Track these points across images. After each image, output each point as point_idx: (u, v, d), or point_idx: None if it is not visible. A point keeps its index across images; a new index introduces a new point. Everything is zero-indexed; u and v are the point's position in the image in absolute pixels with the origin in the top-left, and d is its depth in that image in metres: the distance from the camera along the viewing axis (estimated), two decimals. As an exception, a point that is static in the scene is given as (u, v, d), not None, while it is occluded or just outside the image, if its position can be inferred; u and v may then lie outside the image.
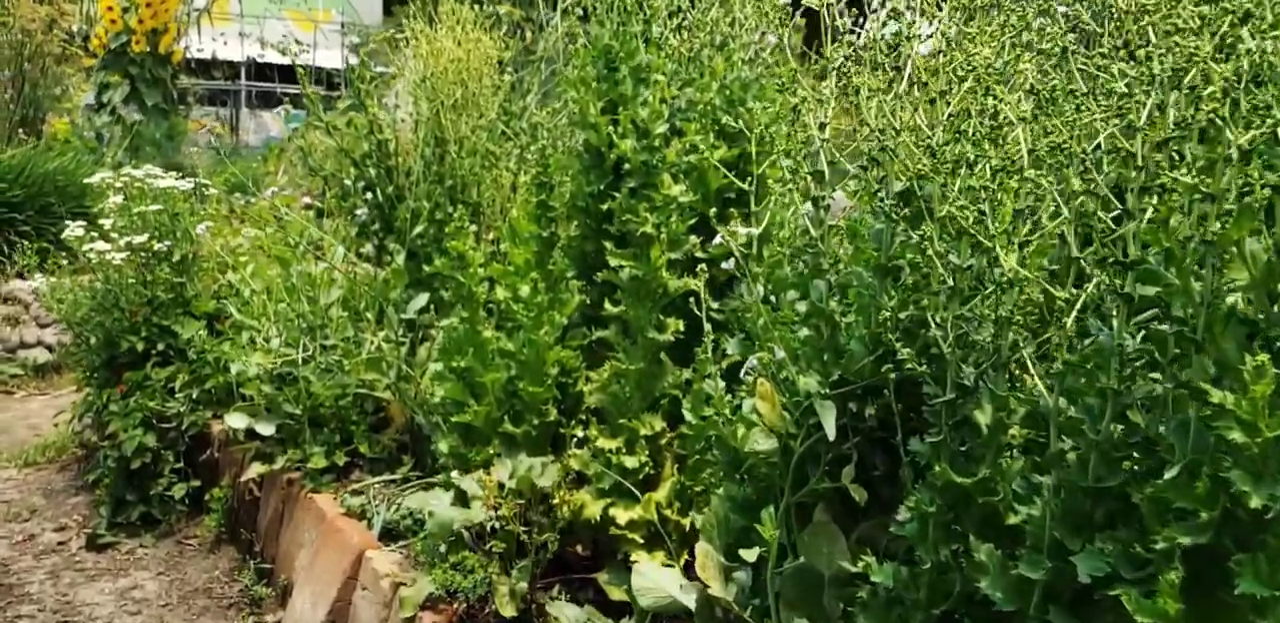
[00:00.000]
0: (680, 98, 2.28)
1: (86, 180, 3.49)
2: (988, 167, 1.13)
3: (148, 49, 8.08)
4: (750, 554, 1.37)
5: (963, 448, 1.19)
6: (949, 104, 1.18)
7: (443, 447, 2.22)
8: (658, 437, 1.99)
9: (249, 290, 3.02)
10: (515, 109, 3.31)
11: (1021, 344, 1.09)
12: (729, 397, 1.60)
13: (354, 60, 3.48)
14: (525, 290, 2.21)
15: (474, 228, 2.32)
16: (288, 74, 12.22)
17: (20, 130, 6.43)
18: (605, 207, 2.16)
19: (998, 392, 1.14)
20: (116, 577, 2.77)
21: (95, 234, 3.26)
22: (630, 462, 1.95)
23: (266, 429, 2.59)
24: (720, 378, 1.86)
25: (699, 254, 2.08)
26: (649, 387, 2.03)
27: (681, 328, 1.98)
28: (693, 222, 2.04)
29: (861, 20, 1.38)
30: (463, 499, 2.05)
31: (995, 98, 1.08)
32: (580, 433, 2.21)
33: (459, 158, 2.88)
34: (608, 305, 2.02)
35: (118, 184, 3.33)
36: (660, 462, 2.01)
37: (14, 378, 4.99)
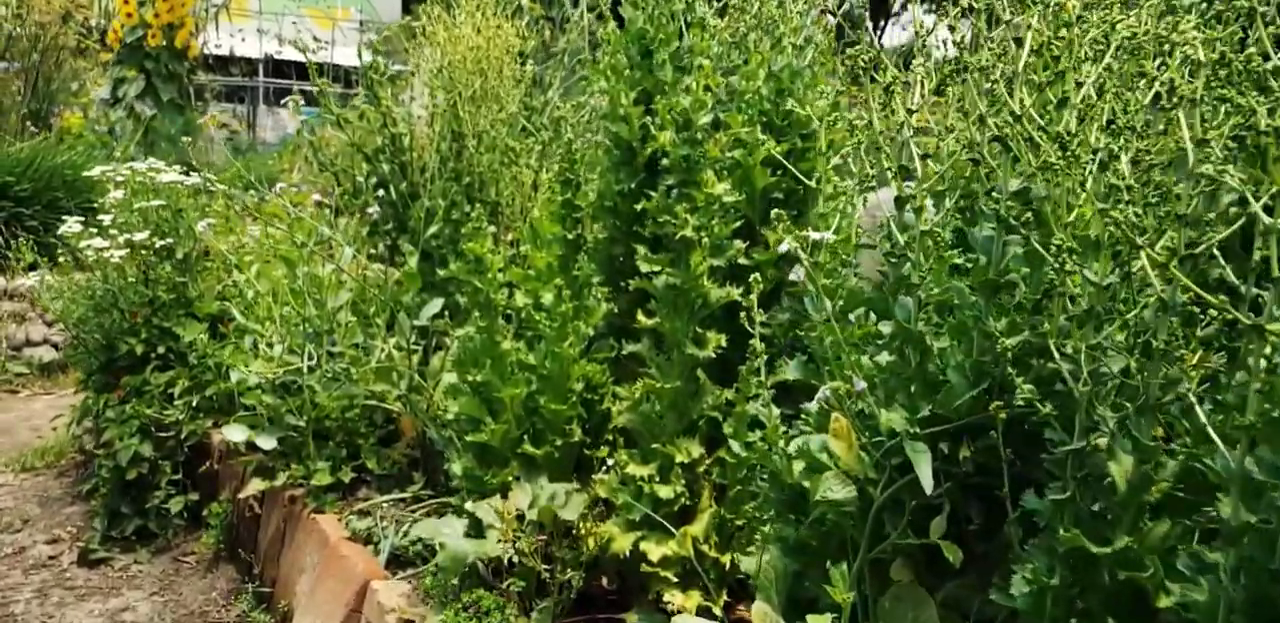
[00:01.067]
0: (721, 87, 2.04)
1: (85, 173, 3.28)
2: (1126, 160, 0.89)
3: (164, 43, 7.89)
4: (821, 622, 1.14)
5: (1093, 507, 0.95)
6: (1080, 84, 0.94)
7: (456, 468, 2.00)
8: (695, 464, 1.76)
9: (253, 292, 2.80)
10: (536, 104, 3.09)
11: (1185, 383, 0.85)
12: (784, 426, 1.37)
13: (369, 55, 3.26)
14: (548, 298, 1.98)
15: (492, 229, 2.10)
16: (306, 71, 11.99)
17: (30, 124, 6.23)
18: (639, 206, 1.93)
19: (1144, 440, 0.90)
20: (108, 597, 2.56)
21: (94, 230, 3.05)
22: (664, 491, 1.72)
23: (267, 443, 2.37)
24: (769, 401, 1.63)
25: (742, 261, 1.85)
26: (685, 408, 1.80)
27: (724, 343, 1.75)
28: (737, 224, 1.81)
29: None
30: (477, 529, 1.83)
31: (1155, 74, 0.84)
32: (607, 455, 1.99)
33: (477, 153, 2.65)
34: (641, 317, 1.79)
35: (119, 178, 3.11)
36: (697, 491, 1.78)
37: (19, 377, 4.79)
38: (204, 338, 2.79)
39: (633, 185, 2.09)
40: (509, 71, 2.68)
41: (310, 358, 2.52)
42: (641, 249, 2.07)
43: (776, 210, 1.90)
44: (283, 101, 3.13)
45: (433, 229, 2.46)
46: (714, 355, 1.74)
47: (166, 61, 8.08)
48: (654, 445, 1.78)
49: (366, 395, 2.45)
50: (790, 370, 1.31)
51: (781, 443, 1.36)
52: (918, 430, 1.06)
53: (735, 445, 1.70)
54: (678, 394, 1.78)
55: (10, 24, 6.76)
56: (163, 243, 3.04)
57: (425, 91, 3.04)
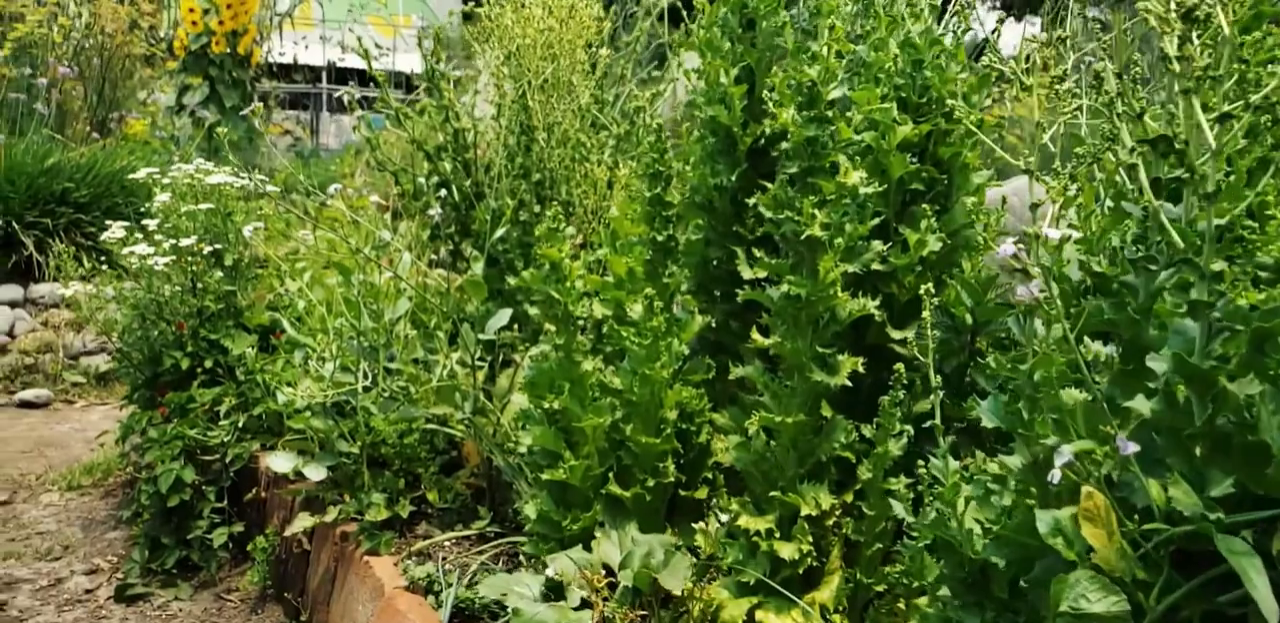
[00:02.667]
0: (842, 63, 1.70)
1: (131, 176, 3.03)
2: None
3: (227, 50, 7.75)
4: None
5: None
6: None
7: (529, 510, 1.68)
8: (823, 517, 1.42)
9: (305, 302, 2.51)
10: (607, 96, 2.77)
11: None
12: (963, 482, 1.02)
13: (429, 44, 2.96)
14: (636, 310, 1.65)
15: (571, 230, 1.77)
16: (368, 78, 11.84)
17: (94, 132, 6.09)
18: (747, 201, 1.59)
19: None
20: (145, 638, 2.29)
21: (139, 236, 2.80)
22: (785, 550, 1.38)
23: (316, 474, 2.07)
24: (910, 441, 1.28)
25: (877, 267, 1.50)
26: (810, 446, 1.45)
27: (861, 368, 1.40)
28: (876, 222, 1.46)
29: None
30: (556, 590, 1.50)
31: None
32: (707, 497, 1.65)
33: (548, 148, 2.33)
34: (756, 335, 1.45)
35: (165, 180, 2.86)
36: (825, 549, 1.44)
37: (75, 386, 4.60)
38: (253, 352, 2.51)
39: (733, 178, 1.76)
40: (582, 54, 2.36)
41: (365, 376, 2.22)
42: (740, 251, 1.74)
43: (920, 204, 1.55)
44: (338, 94, 2.85)
45: (500, 232, 2.14)
46: (847, 383, 1.40)
47: (230, 68, 7.95)
48: (771, 493, 1.43)
49: (427, 418, 2.14)
50: (985, 415, 0.96)
51: (960, 504, 1.02)
52: (1221, 516, 0.71)
53: (872, 496, 1.35)
54: (800, 430, 1.44)
55: (79, 33, 6.65)
56: (211, 249, 2.78)
57: (490, 83, 2.74)
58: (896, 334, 1.52)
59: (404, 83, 9.71)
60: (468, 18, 2.59)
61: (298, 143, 9.92)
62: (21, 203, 4.69)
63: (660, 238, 1.75)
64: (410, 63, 10.71)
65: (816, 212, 1.37)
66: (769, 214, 1.41)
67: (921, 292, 1.13)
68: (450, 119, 2.62)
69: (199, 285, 2.80)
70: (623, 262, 1.80)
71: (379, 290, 2.28)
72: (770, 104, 1.77)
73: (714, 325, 1.78)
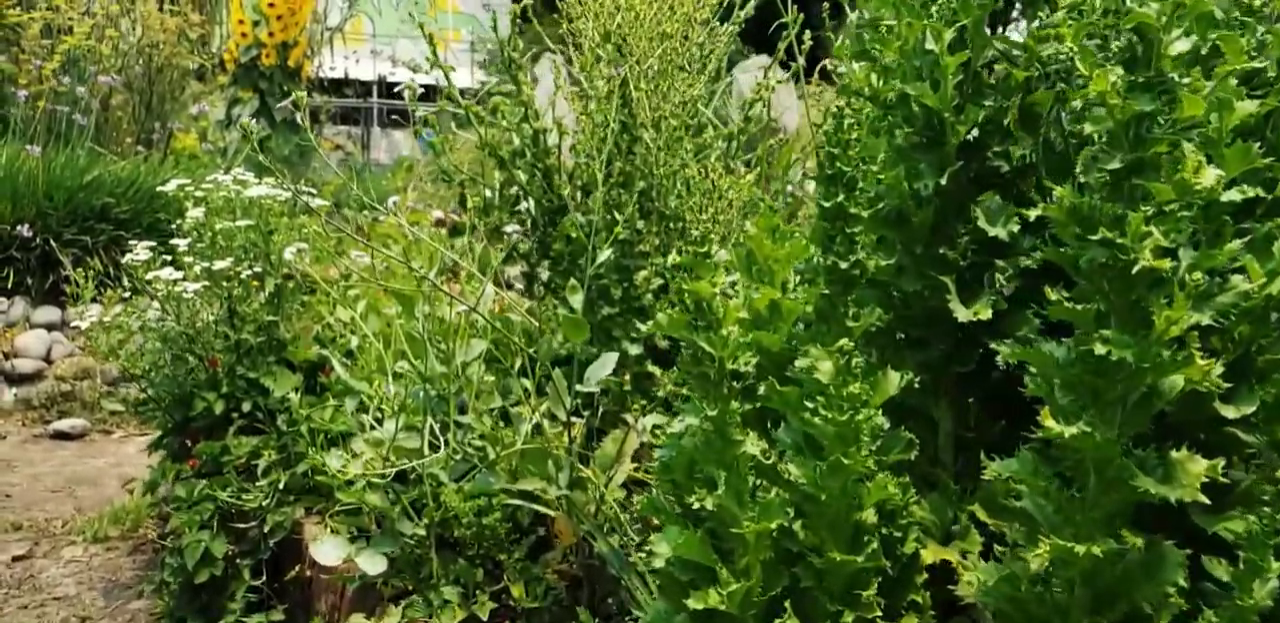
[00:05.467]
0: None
1: (160, 188, 2.59)
2: None
3: (277, 62, 7.39)
4: None
5: None
6: None
7: (668, 649, 1.17)
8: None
9: (358, 338, 2.04)
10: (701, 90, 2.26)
11: None
12: None
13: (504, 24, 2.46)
14: (825, 367, 1.14)
15: (722, 254, 1.26)
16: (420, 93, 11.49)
17: (138, 145, 5.72)
18: (990, 222, 1.08)
19: None
20: None
21: (167, 258, 2.35)
22: None
23: (374, 565, 1.58)
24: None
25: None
26: (1113, 586, 0.93)
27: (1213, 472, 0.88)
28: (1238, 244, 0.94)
29: None
30: None
31: None
32: (925, 636, 1.14)
33: (657, 150, 1.84)
34: (1051, 423, 0.93)
35: (199, 193, 2.41)
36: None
37: (113, 415, 4.19)
38: (297, 397, 2.03)
39: (941, 181, 1.25)
40: (697, 34, 1.87)
41: (433, 433, 1.74)
42: (951, 283, 1.24)
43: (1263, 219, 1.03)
44: (396, 89, 2.34)
45: (604, 255, 1.64)
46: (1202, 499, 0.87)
47: (280, 81, 7.58)
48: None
49: (510, 491, 1.64)
50: None
51: None
52: None
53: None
54: (1105, 562, 0.92)
55: (128, 45, 6.31)
56: (249, 272, 2.32)
57: (552, 83, 2.26)
58: (1230, 411, 0.99)
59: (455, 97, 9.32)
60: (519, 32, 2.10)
61: (349, 158, 9.57)
62: (60, 220, 4.30)
63: (844, 265, 1.24)
64: (461, 77, 10.32)
65: (1153, 229, 0.85)
66: (1073, 232, 0.90)
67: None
68: (529, 118, 2.13)
69: (236, 315, 2.34)
70: (763, 295, 1.28)
71: (448, 326, 1.79)
72: (988, 77, 1.26)
73: (918, 386, 1.26)
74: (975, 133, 1.27)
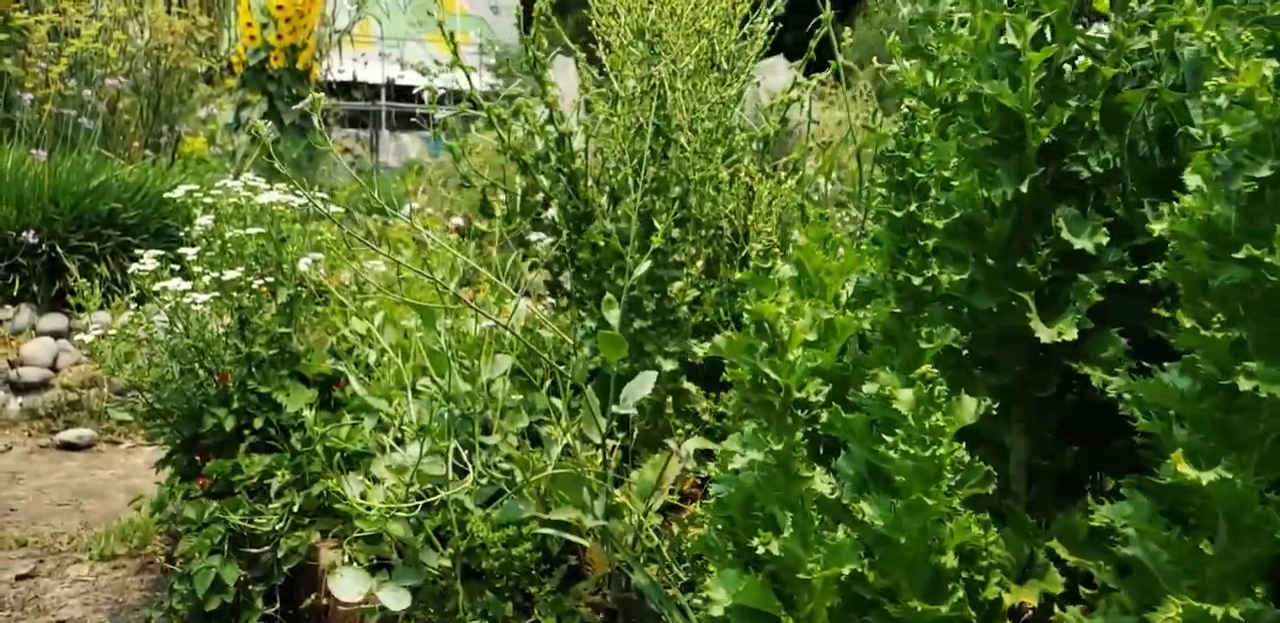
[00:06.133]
0: None
1: (167, 194, 2.48)
2: None
3: (286, 65, 7.29)
4: None
5: None
6: None
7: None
8: None
9: (376, 353, 1.93)
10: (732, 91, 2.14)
11: None
12: None
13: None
14: (905, 397, 1.02)
15: (786, 269, 1.14)
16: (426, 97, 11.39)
17: (146, 148, 5.61)
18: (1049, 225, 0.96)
19: None
20: None
21: (176, 267, 2.24)
22: None
23: (397, 601, 1.46)
24: None
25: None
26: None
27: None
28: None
29: None
30: None
31: None
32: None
33: (692, 153, 1.72)
34: (1182, 467, 0.81)
35: (207, 199, 2.30)
36: None
37: (121, 425, 4.07)
38: (312, 414, 1.92)
39: (1022, 189, 1.13)
40: (733, 33, 1.75)
41: (455, 455, 1.62)
42: (1030, 300, 1.13)
43: None
44: (415, 91, 2.22)
45: (643, 267, 1.52)
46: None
47: (289, 84, 7.49)
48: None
49: (541, 519, 1.53)
50: None
51: None
52: None
53: None
54: (1244, 625, 0.80)
55: (135, 47, 6.21)
56: (260, 282, 2.20)
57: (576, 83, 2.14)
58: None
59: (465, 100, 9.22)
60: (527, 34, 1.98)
61: (357, 161, 9.47)
62: (66, 225, 4.19)
63: (917, 281, 1.12)
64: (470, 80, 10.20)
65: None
66: (1202, 248, 0.78)
67: None
68: (555, 120, 2.02)
69: (247, 326, 2.23)
70: (811, 311, 1.16)
71: (472, 341, 1.68)
72: (1071, 76, 1.15)
73: (995, 413, 1.14)
74: (1055, 136, 1.15)
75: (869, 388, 1.10)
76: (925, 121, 1.14)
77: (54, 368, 4.17)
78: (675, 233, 1.76)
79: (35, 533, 3.06)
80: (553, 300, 2.17)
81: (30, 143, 4.85)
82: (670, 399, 1.78)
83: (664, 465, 1.46)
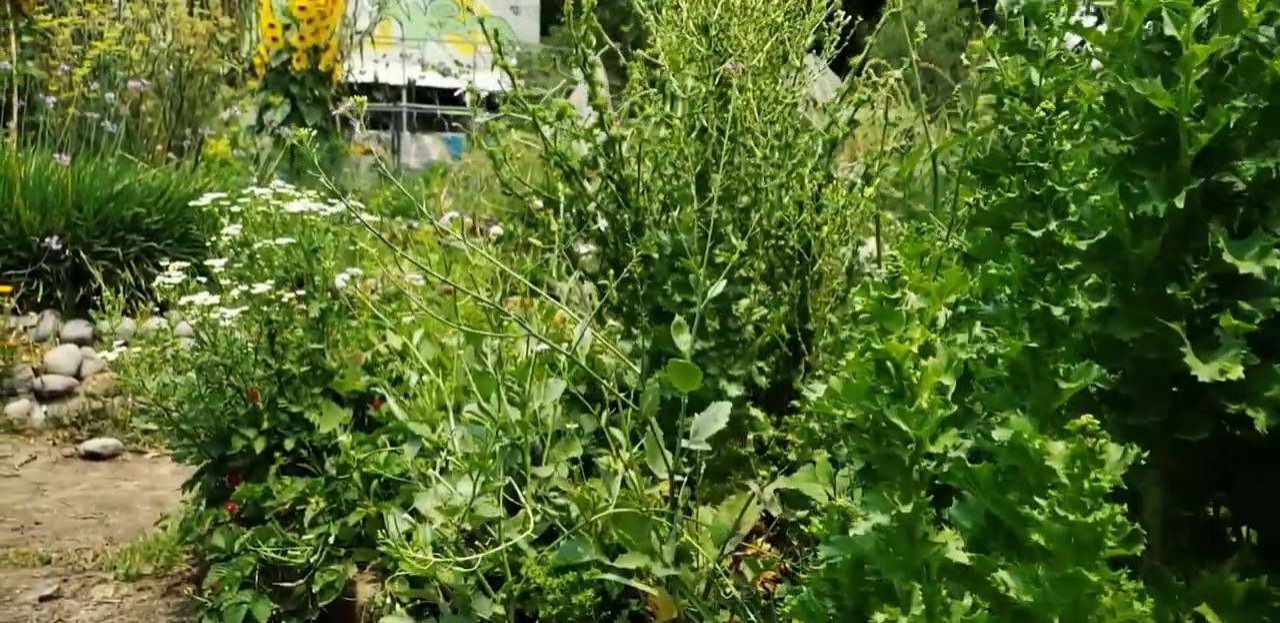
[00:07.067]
0: None
1: (193, 203, 2.34)
2: None
3: (308, 66, 7.17)
4: None
5: None
6: None
7: None
8: None
9: (416, 374, 1.78)
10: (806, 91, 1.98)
11: None
12: None
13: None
14: (1057, 452, 0.86)
15: (913, 298, 0.98)
16: (448, 97, 11.28)
17: (168, 151, 5.49)
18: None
19: None
20: None
21: (202, 280, 2.10)
22: None
23: (447, 657, 1.32)
24: None
25: None
26: None
27: None
28: None
29: None
30: None
31: None
32: None
33: (763, 159, 1.56)
34: None
35: (235, 207, 2.16)
36: None
37: (146, 434, 3.96)
38: (348, 439, 1.77)
39: (1178, 203, 0.97)
40: (807, 27, 1.59)
41: (505, 485, 1.47)
42: (1182, 331, 0.97)
43: None
44: (456, 93, 2.07)
45: (719, 288, 1.36)
46: None
47: (311, 86, 7.37)
48: None
49: (600, 562, 1.37)
50: None
51: None
52: None
53: None
54: None
55: (158, 50, 6.09)
56: (291, 295, 2.06)
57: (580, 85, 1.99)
58: None
59: (485, 101, 9.10)
60: (546, 34, 1.82)
61: (379, 162, 9.35)
62: (89, 231, 4.07)
63: (1058, 311, 0.96)
64: (489, 80, 10.06)
65: None
66: None
67: None
68: (604, 123, 1.87)
69: (277, 342, 2.08)
70: (907, 342, 1.00)
71: (523, 365, 1.53)
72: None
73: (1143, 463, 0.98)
74: (1215, 141, 0.99)
75: (1000, 434, 0.95)
76: (1064, 126, 0.98)
77: (78, 376, 4.05)
78: (744, 246, 1.60)
79: (59, 549, 2.94)
80: (596, 314, 2.01)
81: (54, 146, 4.74)
82: (733, 425, 1.62)
83: (742, 509, 1.30)
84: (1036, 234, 0.96)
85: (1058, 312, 0.96)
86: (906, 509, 0.87)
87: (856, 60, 1.90)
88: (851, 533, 0.89)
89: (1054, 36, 1.17)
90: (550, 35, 12.33)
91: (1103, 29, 1.10)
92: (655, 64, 1.95)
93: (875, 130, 2.08)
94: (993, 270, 1.00)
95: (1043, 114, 0.98)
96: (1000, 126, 1.23)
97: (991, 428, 0.98)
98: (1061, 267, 0.97)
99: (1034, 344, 0.98)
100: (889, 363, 0.89)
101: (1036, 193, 0.97)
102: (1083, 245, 0.96)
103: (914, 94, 3.61)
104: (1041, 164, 0.97)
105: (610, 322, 2.04)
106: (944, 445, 0.87)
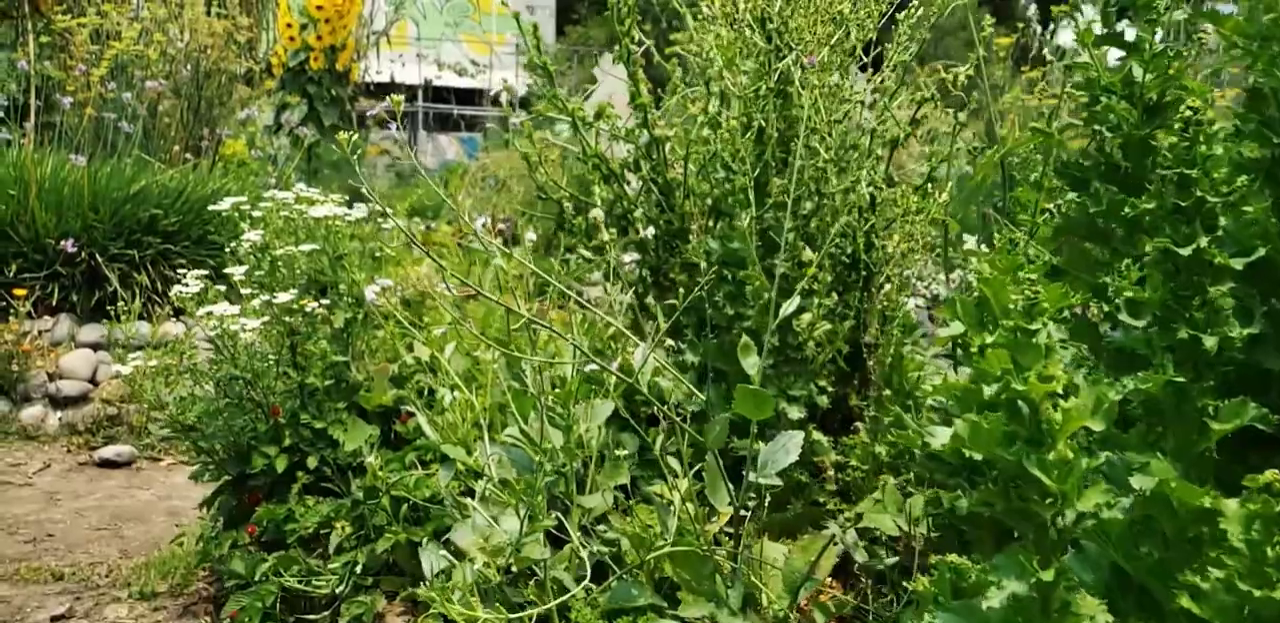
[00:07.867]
0: None
1: (212, 207, 2.22)
2: None
3: (325, 66, 7.07)
4: None
5: None
6: None
7: None
8: None
9: (448, 389, 1.65)
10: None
11: None
12: None
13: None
14: (1233, 512, 0.72)
15: (1051, 333, 0.84)
16: (464, 96, 11.19)
17: (186, 152, 5.38)
18: None
19: None
20: None
21: (221, 288, 1.98)
22: None
23: (490, 711, 1.19)
24: None
25: None
26: None
27: None
28: None
29: None
30: None
31: None
32: None
33: (827, 162, 1.42)
34: None
35: (256, 212, 2.03)
36: None
37: (162, 441, 3.84)
38: (375, 460, 1.65)
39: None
40: (873, 20, 1.45)
41: (546, 517, 1.33)
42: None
43: None
44: (492, 93, 1.86)
45: (793, 305, 1.22)
46: None
47: (329, 86, 7.27)
48: None
49: (660, 609, 1.24)
50: None
51: None
52: None
53: None
54: None
55: (175, 49, 5.99)
56: (315, 305, 1.94)
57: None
58: None
59: (498, 101, 8.96)
60: (561, 34, 1.69)
61: (396, 163, 9.24)
62: (106, 233, 3.96)
63: (1209, 341, 0.82)
64: (507, 80, 9.93)
65: None
66: None
67: None
68: (648, 124, 1.74)
69: (299, 354, 1.96)
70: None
71: (570, 388, 1.40)
72: None
73: None
74: (1387, 145, 0.85)
75: (1141, 482, 0.81)
76: (1212, 130, 0.84)
77: (93, 381, 3.95)
78: (809, 256, 1.47)
79: (73, 563, 2.83)
80: (634, 325, 1.88)
81: (70, 147, 4.64)
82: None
83: (820, 552, 1.16)
84: (1185, 252, 0.82)
85: (1210, 342, 0.82)
86: (1047, 576, 0.74)
87: (893, 56, 1.75)
88: (985, 606, 0.75)
89: (1158, 28, 1.04)
90: (566, 35, 12.22)
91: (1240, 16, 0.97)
92: (683, 64, 1.82)
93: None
94: (1128, 293, 0.86)
95: (1189, 112, 0.84)
96: (1095, 126, 1.10)
97: (1119, 471, 0.85)
98: (1212, 289, 0.83)
99: (1179, 378, 0.84)
100: (1024, 404, 0.75)
101: (1183, 203, 0.84)
102: (1238, 264, 0.83)
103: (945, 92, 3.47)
104: (1189, 171, 0.83)
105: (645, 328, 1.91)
106: (1093, 503, 0.73)
